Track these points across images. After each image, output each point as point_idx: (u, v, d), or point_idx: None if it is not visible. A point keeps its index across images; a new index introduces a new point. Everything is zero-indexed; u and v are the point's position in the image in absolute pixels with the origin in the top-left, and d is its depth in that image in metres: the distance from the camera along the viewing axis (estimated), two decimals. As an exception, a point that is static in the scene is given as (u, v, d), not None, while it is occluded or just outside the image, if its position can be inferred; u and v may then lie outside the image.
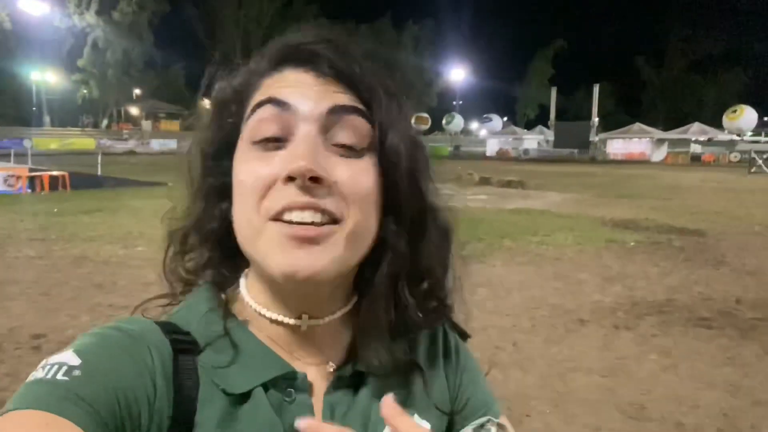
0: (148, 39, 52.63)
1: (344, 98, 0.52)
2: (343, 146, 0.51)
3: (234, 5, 55.13)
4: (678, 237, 9.12)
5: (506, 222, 10.25)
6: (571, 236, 8.93)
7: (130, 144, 41.88)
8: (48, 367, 0.45)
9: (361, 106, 0.53)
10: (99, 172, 18.63)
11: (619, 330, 4.79)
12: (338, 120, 0.51)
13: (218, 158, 0.56)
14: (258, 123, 0.52)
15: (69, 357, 0.45)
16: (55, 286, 5.68)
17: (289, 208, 0.48)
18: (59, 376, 0.43)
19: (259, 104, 0.52)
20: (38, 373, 0.44)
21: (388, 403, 0.45)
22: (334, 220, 0.50)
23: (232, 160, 0.54)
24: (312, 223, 0.48)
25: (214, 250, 0.59)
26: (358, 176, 0.51)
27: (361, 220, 0.51)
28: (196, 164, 0.58)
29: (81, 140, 42.00)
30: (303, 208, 0.48)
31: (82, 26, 48.65)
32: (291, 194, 0.48)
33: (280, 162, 0.50)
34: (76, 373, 0.44)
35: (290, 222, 0.48)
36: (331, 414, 0.55)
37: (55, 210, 10.60)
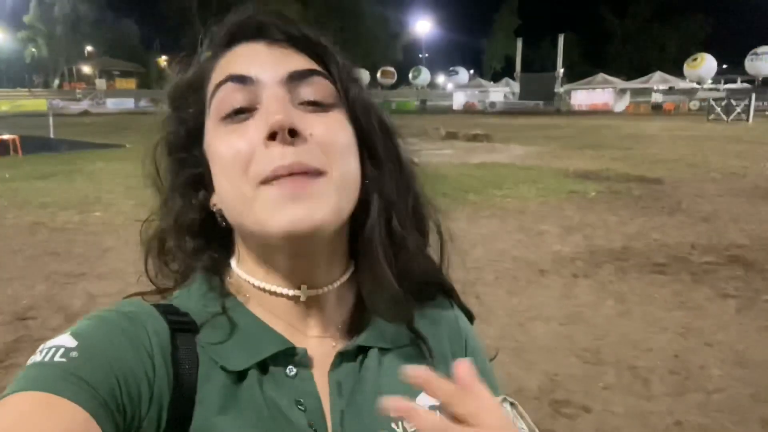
0: (98, -8, 49.96)
1: (301, 62, 0.54)
2: (310, 103, 0.52)
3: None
4: (637, 186, 9.34)
5: (471, 176, 10.29)
6: (534, 189, 9.05)
7: (84, 104, 40.22)
8: (45, 350, 0.45)
9: (319, 68, 0.54)
10: (51, 135, 17.87)
11: (578, 279, 4.92)
12: (300, 83, 0.52)
13: (187, 149, 0.57)
14: (223, 100, 0.52)
15: (66, 340, 0.46)
16: (9, 255, 5.51)
17: (277, 172, 0.48)
18: (57, 358, 0.44)
19: (220, 84, 0.53)
20: (36, 357, 0.45)
21: (415, 373, 0.42)
22: (319, 173, 0.50)
23: (202, 147, 0.55)
24: (303, 173, 0.49)
25: (198, 239, 0.59)
26: (332, 128, 0.52)
27: (344, 169, 0.52)
28: (164, 163, 0.59)
29: (31, 101, 40.15)
30: (291, 168, 0.49)
31: (25, -21, 45.79)
32: (276, 156, 0.48)
33: (255, 127, 0.50)
34: (74, 354, 0.44)
35: (281, 176, 0.48)
36: (338, 390, 0.55)
37: (6, 176, 10.18)
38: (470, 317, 0.70)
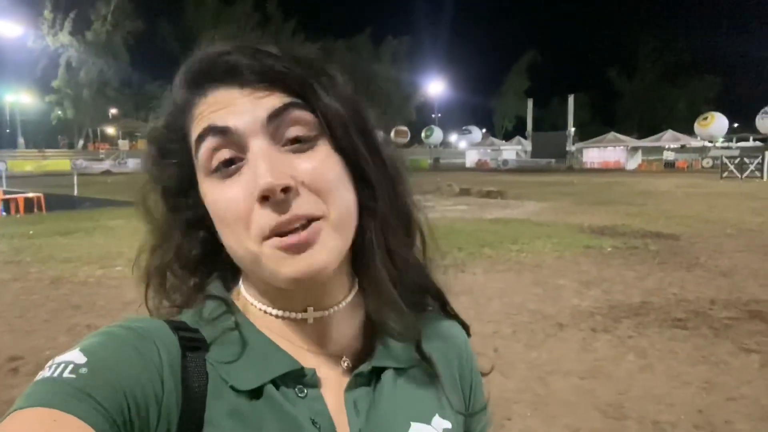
0: (123, 58, 52.32)
1: (276, 100, 0.52)
2: (294, 141, 0.51)
3: (210, 22, 55.16)
4: (653, 241, 9.30)
5: (486, 231, 10.34)
6: (549, 243, 9.05)
7: (106, 164, 41.34)
8: (54, 366, 0.45)
9: (295, 99, 0.52)
10: (75, 193, 18.39)
11: (597, 333, 4.87)
12: (280, 122, 0.51)
13: (182, 194, 0.56)
14: (207, 155, 0.51)
15: (75, 356, 0.45)
16: (32, 308, 5.59)
17: (278, 228, 0.49)
18: (66, 374, 0.43)
19: (200, 137, 0.52)
20: (45, 373, 0.44)
21: None
22: (317, 218, 0.51)
23: (197, 192, 0.55)
24: (301, 226, 0.49)
25: (202, 271, 0.59)
26: (321, 167, 0.51)
27: (340, 205, 0.52)
28: (159, 203, 0.58)
29: (56, 161, 41.41)
30: (289, 222, 0.49)
31: (56, 47, 48.21)
32: (273, 215, 0.49)
33: (247, 184, 0.50)
34: (83, 370, 0.44)
35: (283, 233, 0.49)
36: (356, 410, 0.55)
37: (31, 232, 10.42)
38: (467, 329, 0.69)
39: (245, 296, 0.58)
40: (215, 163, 0.51)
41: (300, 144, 0.51)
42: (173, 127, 0.55)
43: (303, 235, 0.49)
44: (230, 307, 0.57)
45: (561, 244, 8.99)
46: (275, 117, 0.51)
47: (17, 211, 13.72)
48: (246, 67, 0.52)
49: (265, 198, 0.48)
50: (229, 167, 0.51)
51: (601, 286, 6.41)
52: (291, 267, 0.49)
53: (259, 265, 0.51)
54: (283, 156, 0.50)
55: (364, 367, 0.57)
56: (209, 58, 0.53)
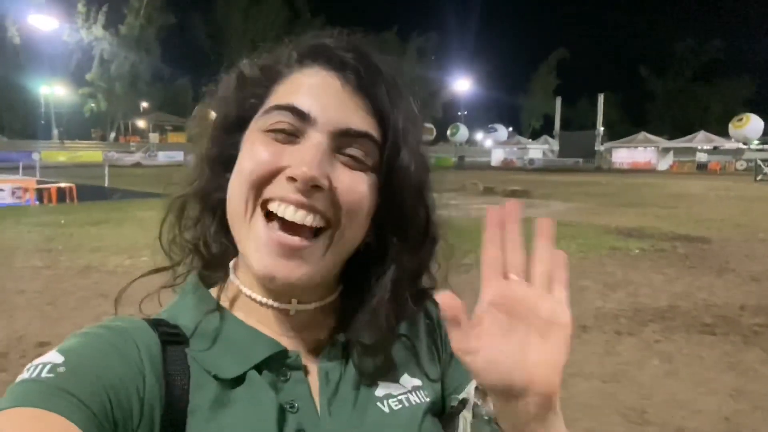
0: (155, 52, 53.28)
1: (360, 120, 0.54)
2: (351, 157, 0.54)
3: (240, 18, 55.73)
4: (682, 244, 9.10)
5: (510, 230, 10.20)
6: (574, 244, 8.92)
7: (137, 156, 42.15)
8: (32, 368, 0.45)
9: (373, 133, 0.54)
10: (106, 184, 18.79)
11: (622, 336, 4.79)
12: (350, 140, 0.53)
13: (231, 131, 0.57)
14: (275, 120, 0.53)
15: (53, 356, 0.46)
16: (62, 296, 5.74)
17: (284, 201, 0.50)
18: (44, 374, 0.44)
19: (279, 107, 0.53)
20: (24, 375, 0.45)
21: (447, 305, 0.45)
22: (327, 222, 0.52)
23: (243, 135, 0.56)
24: (302, 226, 0.51)
25: (213, 218, 0.60)
26: (357, 186, 0.53)
27: (350, 228, 0.53)
28: (209, 133, 0.60)
29: (89, 153, 42.39)
30: (298, 206, 0.50)
31: (90, 40, 49.30)
32: (289, 191, 0.50)
33: (287, 157, 0.51)
34: (61, 369, 0.44)
35: (282, 219, 0.51)
36: (326, 381, 0.57)
37: (62, 221, 10.70)
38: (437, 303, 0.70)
39: (233, 278, 0.59)
40: (275, 127, 0.53)
41: (354, 162, 0.54)
42: (264, 73, 0.57)
43: (299, 244, 0.51)
44: (212, 297, 0.58)
45: (586, 245, 8.86)
46: (348, 134, 0.53)
47: (50, 200, 14.09)
48: (354, 68, 0.54)
49: (292, 180, 0.50)
50: (281, 135, 0.53)
51: (626, 289, 6.30)
52: (270, 263, 0.51)
53: (244, 234, 0.52)
54: (332, 159, 0.52)
55: (337, 340, 0.59)
56: (327, 45, 0.56)
